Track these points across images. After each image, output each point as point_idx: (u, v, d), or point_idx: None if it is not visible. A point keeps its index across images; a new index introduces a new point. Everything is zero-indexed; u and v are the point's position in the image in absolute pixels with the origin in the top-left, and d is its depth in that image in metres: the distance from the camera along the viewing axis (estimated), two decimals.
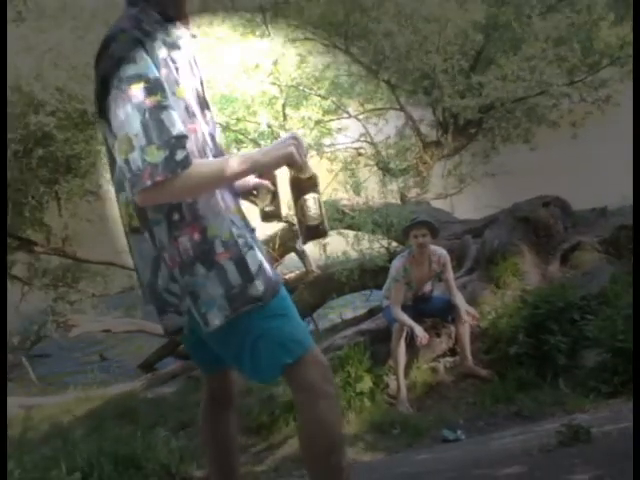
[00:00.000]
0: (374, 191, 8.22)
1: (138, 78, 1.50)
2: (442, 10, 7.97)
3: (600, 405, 3.87)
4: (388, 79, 8.74)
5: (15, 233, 8.51)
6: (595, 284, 5.13)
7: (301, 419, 1.78)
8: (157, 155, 1.47)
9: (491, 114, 8.85)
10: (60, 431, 5.42)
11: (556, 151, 10.57)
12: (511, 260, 5.49)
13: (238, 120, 8.34)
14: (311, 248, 8.12)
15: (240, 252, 1.64)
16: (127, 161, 1.49)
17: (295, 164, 1.68)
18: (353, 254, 7.62)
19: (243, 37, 8.43)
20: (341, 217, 7.25)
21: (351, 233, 7.65)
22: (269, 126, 8.30)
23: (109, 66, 1.53)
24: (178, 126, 1.51)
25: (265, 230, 7.25)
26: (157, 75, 1.53)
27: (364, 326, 5.36)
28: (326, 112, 9.13)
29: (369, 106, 9.74)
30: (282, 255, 8.48)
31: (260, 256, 1.68)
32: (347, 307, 8.82)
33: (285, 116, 8.22)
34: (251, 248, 1.66)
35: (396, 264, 4.90)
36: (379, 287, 5.94)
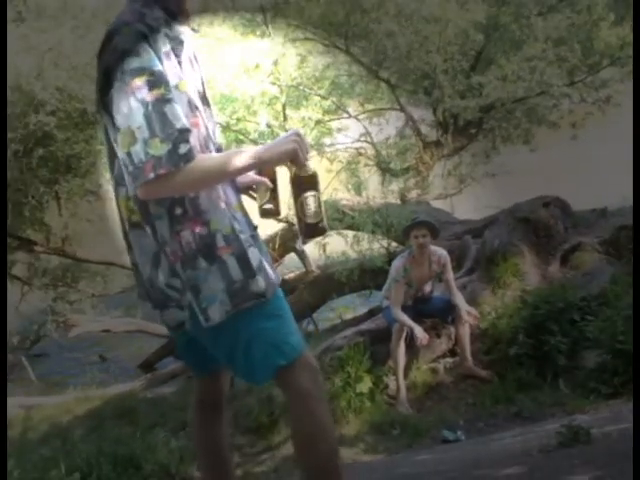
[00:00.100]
0: (374, 191, 8.22)
1: (142, 71, 1.49)
2: (442, 10, 7.96)
3: (600, 406, 3.86)
4: (388, 79, 8.74)
5: (15, 233, 8.51)
6: (595, 285, 5.13)
7: (296, 424, 1.76)
8: (160, 148, 1.47)
9: (491, 114, 8.84)
10: (59, 431, 5.43)
11: (556, 151, 10.57)
12: (511, 260, 5.48)
13: (238, 120, 8.34)
14: (311, 248, 8.13)
15: (242, 247, 1.63)
16: (129, 154, 1.48)
17: (297, 160, 1.68)
18: (353, 254, 7.62)
19: (243, 37, 8.44)
20: (341, 217, 7.25)
21: (350, 233, 7.65)
22: (269, 126, 8.31)
23: (112, 59, 1.53)
24: (181, 119, 1.50)
25: (265, 230, 7.25)
26: (160, 68, 1.52)
27: (364, 326, 5.35)
28: (326, 112, 9.13)
29: (369, 106, 9.74)
30: (282, 255, 8.47)
31: (260, 254, 1.67)
32: (348, 308, 8.81)
33: (285, 116, 8.21)
34: (252, 245, 1.66)
35: (396, 264, 4.90)
36: (379, 287, 5.94)
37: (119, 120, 1.51)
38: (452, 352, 5.09)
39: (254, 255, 1.65)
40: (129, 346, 9.60)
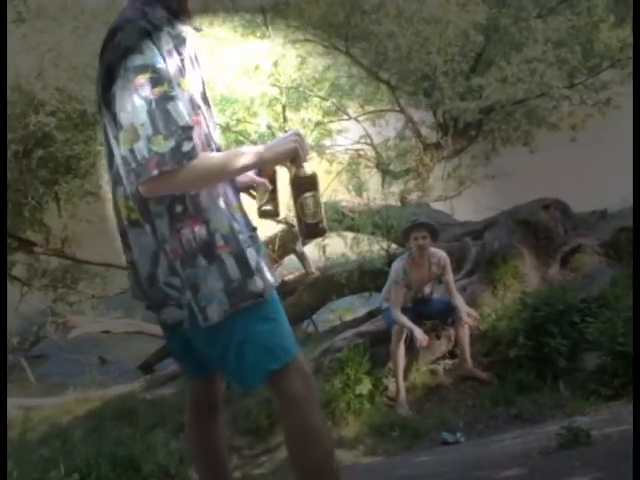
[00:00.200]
0: (374, 193, 8.22)
1: (145, 68, 1.49)
2: (443, 12, 7.97)
3: (600, 408, 3.86)
4: (388, 80, 8.74)
5: (15, 234, 8.52)
6: (595, 287, 5.13)
7: (289, 429, 1.75)
8: (164, 145, 1.46)
9: (491, 116, 8.85)
10: (59, 432, 5.42)
11: (556, 153, 10.59)
12: (511, 262, 5.48)
13: (238, 121, 8.35)
14: (311, 250, 8.13)
15: (240, 247, 1.63)
16: (132, 151, 1.48)
17: (298, 160, 1.68)
18: (352, 256, 7.61)
19: (243, 38, 8.46)
20: (341, 218, 7.24)
21: (350, 235, 7.64)
22: (269, 127, 8.31)
23: (115, 56, 1.52)
24: (185, 117, 1.51)
25: (265, 231, 7.25)
26: (163, 66, 1.52)
27: (364, 328, 5.34)
28: (326, 113, 9.14)
29: (369, 108, 9.75)
30: (282, 256, 8.48)
31: (258, 255, 1.67)
32: (347, 309, 8.80)
33: (285, 117, 8.22)
34: (250, 245, 1.65)
35: (396, 266, 4.89)
36: (379, 289, 5.94)
37: (122, 117, 1.51)
38: (452, 354, 5.08)
39: (252, 255, 1.64)
40: (129, 347, 9.59)
